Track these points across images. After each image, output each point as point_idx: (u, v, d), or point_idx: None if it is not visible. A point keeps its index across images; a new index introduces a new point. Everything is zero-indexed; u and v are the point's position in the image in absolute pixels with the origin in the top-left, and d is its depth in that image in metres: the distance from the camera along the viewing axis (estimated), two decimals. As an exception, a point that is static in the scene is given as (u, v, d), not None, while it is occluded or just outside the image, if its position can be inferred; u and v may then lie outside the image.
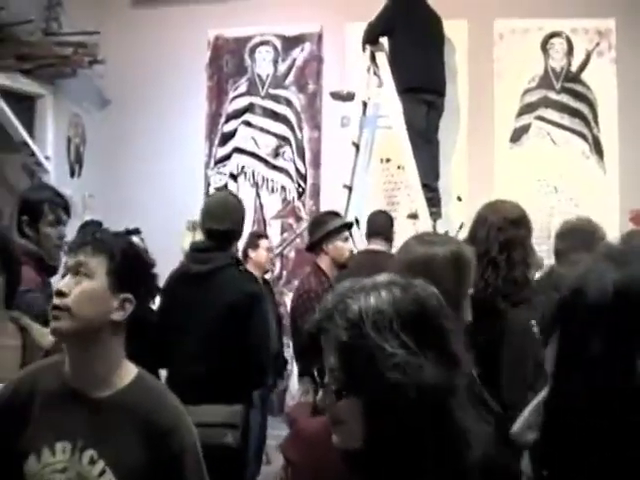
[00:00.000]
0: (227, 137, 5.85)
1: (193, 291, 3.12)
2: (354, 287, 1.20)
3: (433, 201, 4.97)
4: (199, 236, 3.85)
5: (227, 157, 5.84)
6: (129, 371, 1.68)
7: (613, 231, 4.61)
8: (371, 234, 4.21)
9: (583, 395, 0.54)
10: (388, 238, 4.24)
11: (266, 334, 3.21)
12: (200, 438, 1.74)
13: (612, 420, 0.52)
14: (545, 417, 0.58)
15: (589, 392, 0.54)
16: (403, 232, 5.36)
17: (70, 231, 2.78)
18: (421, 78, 5.06)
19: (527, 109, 5.55)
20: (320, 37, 5.78)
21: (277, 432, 4.37)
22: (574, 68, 5.60)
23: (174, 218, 5.32)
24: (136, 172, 5.86)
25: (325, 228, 3.87)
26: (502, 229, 2.40)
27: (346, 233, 3.96)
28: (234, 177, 5.80)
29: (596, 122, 5.51)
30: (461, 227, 4.75)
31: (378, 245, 4.13)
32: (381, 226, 4.23)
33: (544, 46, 5.64)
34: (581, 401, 0.54)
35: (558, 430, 0.55)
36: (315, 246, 3.97)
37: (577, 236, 2.92)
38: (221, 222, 3.19)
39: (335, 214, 4.12)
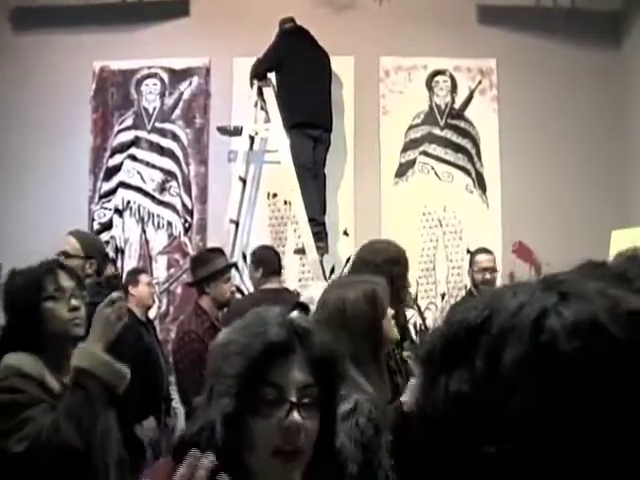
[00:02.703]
0: (112, 171, 5.68)
1: None
2: None
3: (320, 235, 4.98)
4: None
5: (112, 192, 5.66)
6: None
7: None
8: (269, 273, 4.13)
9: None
10: (280, 274, 4.29)
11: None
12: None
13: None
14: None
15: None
16: (290, 267, 5.39)
17: None
18: (308, 114, 5.10)
19: (412, 144, 5.67)
20: (208, 71, 5.74)
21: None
22: (458, 105, 5.78)
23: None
24: (16, 207, 5.59)
25: (209, 268, 3.78)
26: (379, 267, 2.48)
27: (229, 274, 3.90)
28: (119, 212, 5.64)
29: (479, 157, 5.69)
30: (348, 261, 4.78)
31: (276, 284, 4.13)
32: (275, 264, 4.20)
33: (429, 83, 5.80)
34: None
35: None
36: (197, 284, 3.87)
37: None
38: None
39: (219, 251, 4.03)
